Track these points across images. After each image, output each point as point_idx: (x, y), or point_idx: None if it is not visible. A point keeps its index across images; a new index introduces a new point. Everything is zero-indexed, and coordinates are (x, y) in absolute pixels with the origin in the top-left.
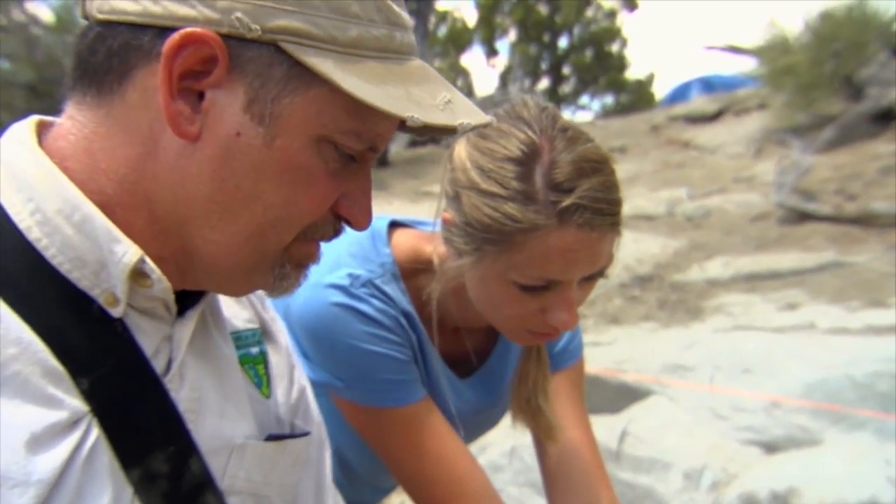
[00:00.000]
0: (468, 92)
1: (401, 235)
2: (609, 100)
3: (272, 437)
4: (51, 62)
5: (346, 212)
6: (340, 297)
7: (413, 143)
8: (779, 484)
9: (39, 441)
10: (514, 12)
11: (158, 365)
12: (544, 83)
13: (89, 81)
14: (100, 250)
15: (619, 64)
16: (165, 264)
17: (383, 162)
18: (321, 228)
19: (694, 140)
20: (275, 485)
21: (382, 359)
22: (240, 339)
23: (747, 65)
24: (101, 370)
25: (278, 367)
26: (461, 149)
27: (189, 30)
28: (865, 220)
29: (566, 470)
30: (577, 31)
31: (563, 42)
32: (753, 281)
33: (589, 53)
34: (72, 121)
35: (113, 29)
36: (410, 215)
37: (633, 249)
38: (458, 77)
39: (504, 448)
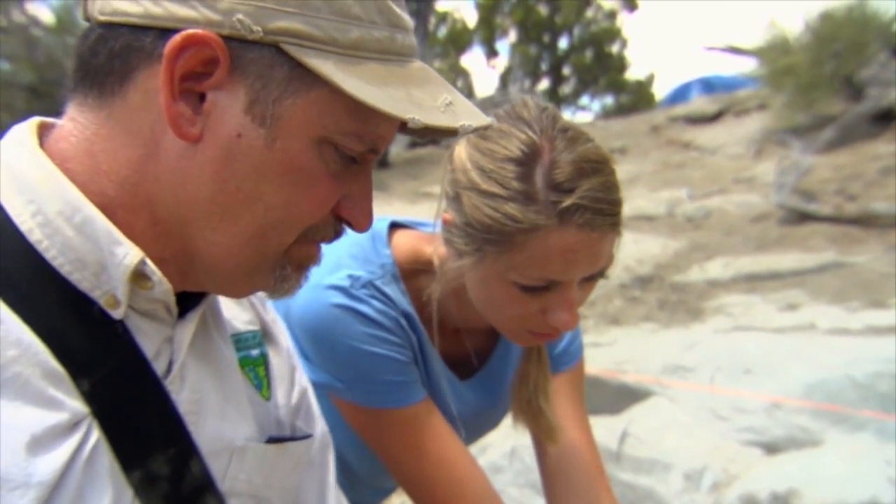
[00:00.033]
0: (468, 93)
1: (401, 236)
2: (609, 100)
3: (273, 440)
4: (51, 63)
5: (347, 213)
6: (341, 299)
7: (413, 144)
8: (779, 484)
9: (40, 443)
10: (514, 13)
11: (159, 367)
12: (544, 84)
13: (91, 83)
14: (100, 252)
15: (620, 64)
16: (166, 266)
17: (383, 163)
18: (322, 230)
19: (694, 141)
20: (275, 487)
21: (383, 360)
22: (240, 341)
23: (747, 65)
24: (102, 372)
25: (279, 368)
26: (461, 149)
27: (190, 31)
28: (866, 221)
29: (566, 471)
30: (577, 31)
31: (563, 43)
32: (754, 281)
33: (589, 54)
34: (73, 122)
35: (114, 30)
36: (410, 216)
37: (634, 250)
38: (458, 78)
39: (504, 449)
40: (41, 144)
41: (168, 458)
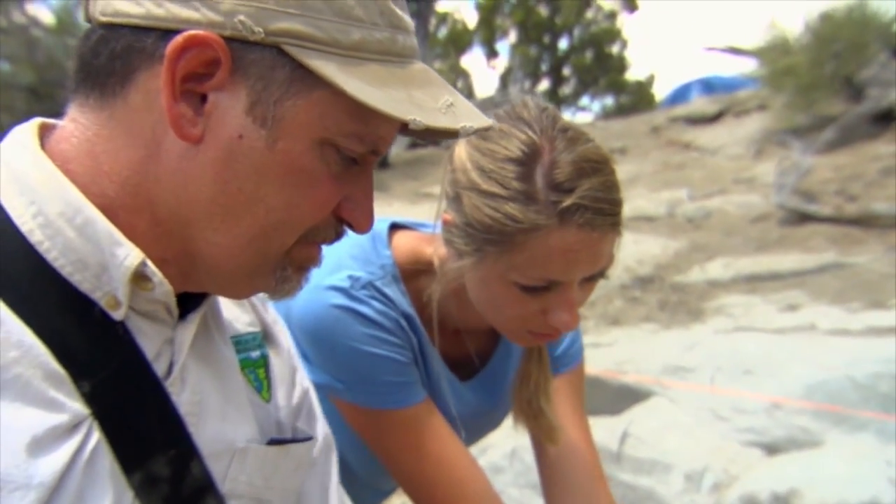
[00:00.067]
0: (468, 93)
1: (401, 237)
2: (609, 101)
3: (274, 441)
4: (51, 64)
5: (348, 215)
6: (341, 299)
7: (413, 145)
8: (780, 485)
9: (40, 444)
10: (515, 14)
11: (160, 368)
12: (544, 84)
13: (92, 84)
14: (101, 253)
15: (620, 65)
16: (168, 266)
17: (383, 163)
18: (323, 231)
19: (694, 141)
20: (276, 489)
21: (383, 361)
22: (240, 342)
23: (747, 66)
24: (103, 373)
25: (279, 370)
26: (461, 150)
27: (192, 32)
28: (866, 221)
29: (565, 472)
30: (577, 32)
31: (563, 43)
32: (754, 282)
33: (589, 55)
34: (74, 123)
35: (116, 31)
36: (410, 217)
37: (634, 251)
38: (459, 78)
39: (505, 450)
40: (42, 145)
41: (168, 460)
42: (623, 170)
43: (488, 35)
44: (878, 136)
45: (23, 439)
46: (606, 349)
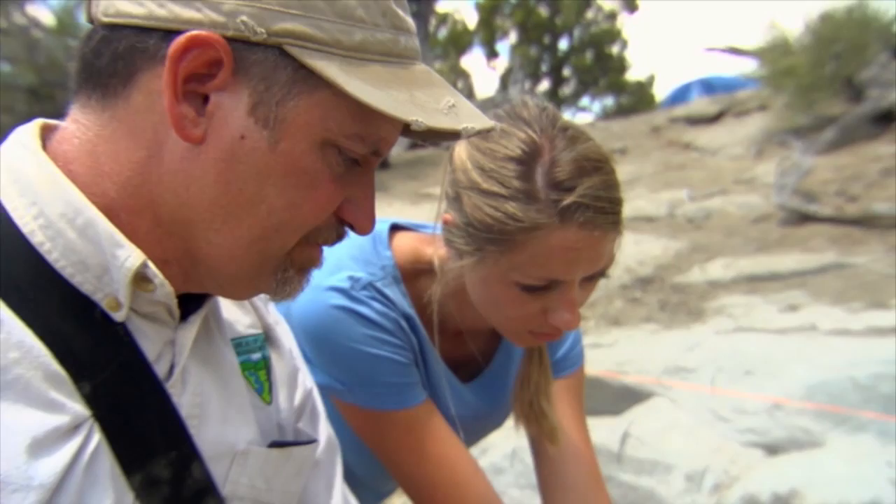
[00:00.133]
0: (468, 94)
1: (402, 238)
2: (609, 101)
3: (276, 444)
4: (52, 65)
5: (350, 216)
6: (341, 300)
7: (413, 145)
8: (781, 486)
9: (41, 445)
10: (515, 14)
11: (160, 369)
12: (545, 85)
13: (94, 84)
14: (102, 254)
15: (620, 65)
16: (169, 267)
17: (384, 164)
18: (324, 232)
19: (694, 141)
20: (277, 491)
21: (383, 362)
22: (241, 345)
23: (748, 66)
24: (103, 374)
25: (281, 372)
26: (461, 150)
27: (194, 33)
28: (866, 222)
29: (563, 474)
30: (577, 32)
31: (563, 44)
32: (754, 282)
33: (589, 55)
34: (76, 124)
35: (118, 32)
36: (411, 217)
37: (634, 251)
38: (459, 79)
39: (505, 450)
40: (44, 146)
41: (169, 462)
42: (623, 170)
43: (488, 35)
44: (878, 137)
45: (23, 440)
46: (607, 349)
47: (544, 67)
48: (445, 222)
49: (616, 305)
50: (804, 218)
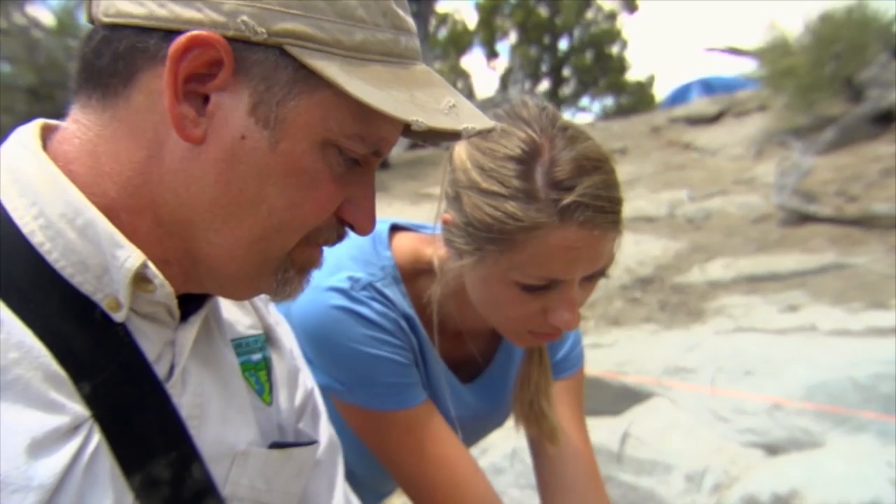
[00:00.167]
0: (468, 94)
1: (401, 239)
2: (609, 102)
3: (277, 445)
4: (52, 65)
5: (350, 216)
6: (340, 300)
7: (413, 146)
8: (781, 486)
9: (40, 446)
10: (515, 14)
11: (161, 370)
12: (545, 85)
13: (94, 84)
14: (102, 255)
15: (620, 66)
16: (170, 267)
17: (384, 164)
18: (325, 233)
19: (694, 142)
20: (278, 492)
21: (383, 362)
22: (241, 345)
23: (748, 66)
24: (103, 375)
25: (281, 372)
26: (461, 149)
27: (195, 33)
28: (866, 222)
29: (562, 474)
30: (577, 32)
31: (563, 44)
32: (754, 283)
33: (589, 55)
34: (76, 124)
35: (118, 32)
36: (411, 217)
37: (634, 251)
38: (459, 79)
39: (505, 450)
40: (44, 147)
41: (169, 462)
42: (623, 170)
43: (488, 36)
44: (878, 137)
45: (22, 441)
46: (607, 350)
47: (544, 68)
48: (445, 222)
49: (616, 305)
50: (804, 218)
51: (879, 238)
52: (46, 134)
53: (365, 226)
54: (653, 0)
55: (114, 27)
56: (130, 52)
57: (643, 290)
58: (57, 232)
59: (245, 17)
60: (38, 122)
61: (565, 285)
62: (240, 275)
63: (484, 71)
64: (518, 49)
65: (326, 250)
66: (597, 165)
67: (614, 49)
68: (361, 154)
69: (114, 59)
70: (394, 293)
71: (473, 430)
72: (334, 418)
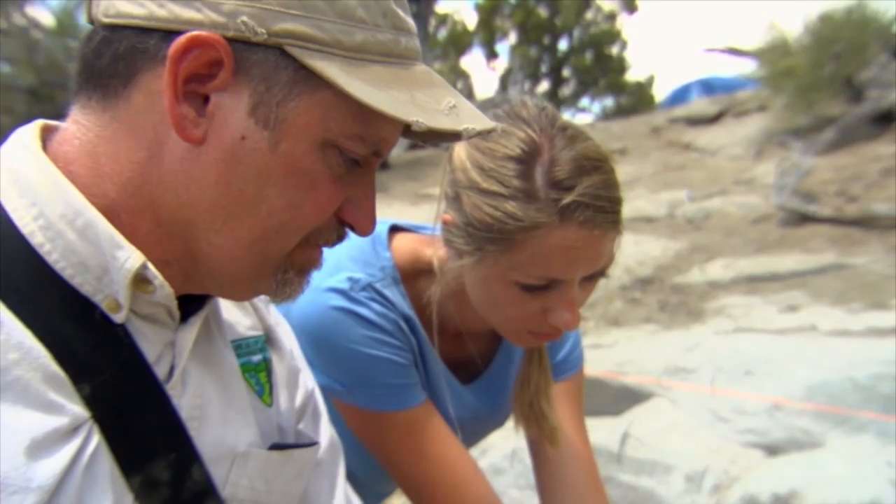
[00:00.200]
0: (468, 94)
1: (401, 239)
2: (609, 102)
3: (277, 447)
4: (51, 66)
5: (351, 217)
6: (340, 301)
7: (413, 146)
8: (781, 486)
9: (40, 447)
10: (514, 15)
11: (160, 371)
12: (544, 85)
13: (94, 85)
14: (102, 256)
15: (619, 66)
16: (170, 268)
17: (384, 165)
18: (325, 234)
19: (694, 142)
20: (278, 494)
21: (383, 363)
22: (241, 346)
23: (747, 67)
24: (103, 376)
25: (281, 373)
26: (461, 150)
27: (195, 33)
28: (866, 222)
29: (562, 475)
30: (576, 33)
31: (563, 44)
32: (754, 283)
33: (589, 56)
34: (76, 125)
35: (119, 33)
36: (411, 218)
37: (634, 251)
38: (459, 79)
39: (505, 451)
40: (44, 147)
41: (169, 464)
42: (623, 171)
43: (488, 36)
44: (878, 137)
45: (22, 442)
46: (607, 350)
47: (544, 68)
48: (445, 222)
49: (616, 306)
50: (804, 218)
51: (879, 238)
52: (46, 135)
53: (365, 226)
54: (652, 0)
55: (114, 28)
56: (130, 52)
57: (643, 290)
58: (57, 233)
59: (245, 18)
60: (38, 123)
61: (565, 285)
62: (240, 275)
63: (484, 71)
64: (518, 49)
65: (326, 251)
66: (596, 165)
67: (614, 49)
68: (361, 154)
69: (114, 59)
70: (393, 294)
71: (473, 430)
72: (334, 419)
